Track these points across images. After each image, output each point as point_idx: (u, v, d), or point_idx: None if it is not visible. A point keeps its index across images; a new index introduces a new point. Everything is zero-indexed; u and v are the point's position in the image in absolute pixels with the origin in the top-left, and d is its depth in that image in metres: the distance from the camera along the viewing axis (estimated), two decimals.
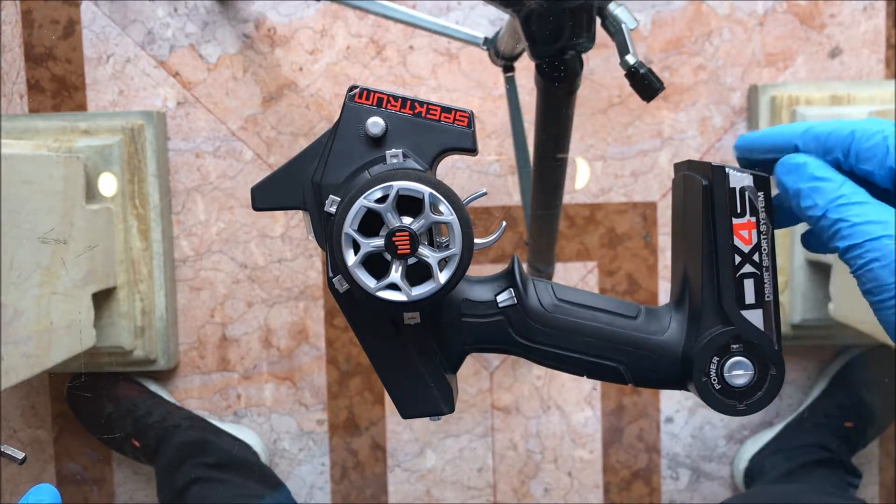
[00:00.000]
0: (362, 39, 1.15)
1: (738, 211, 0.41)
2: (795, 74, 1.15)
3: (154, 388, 1.17)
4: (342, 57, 1.15)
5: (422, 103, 0.40)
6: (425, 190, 0.37)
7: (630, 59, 0.67)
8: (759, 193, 0.41)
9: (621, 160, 1.17)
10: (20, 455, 0.57)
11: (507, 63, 0.94)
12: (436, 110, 0.40)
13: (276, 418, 1.20)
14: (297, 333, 1.18)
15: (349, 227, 0.37)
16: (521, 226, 1.14)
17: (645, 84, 0.67)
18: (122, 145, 1.08)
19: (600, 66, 1.15)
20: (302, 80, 1.16)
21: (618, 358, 0.42)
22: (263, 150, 1.16)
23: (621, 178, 1.17)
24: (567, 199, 1.16)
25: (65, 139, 1.08)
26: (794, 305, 1.10)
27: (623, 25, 0.68)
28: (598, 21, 0.68)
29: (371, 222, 0.38)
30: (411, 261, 0.38)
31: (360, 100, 0.40)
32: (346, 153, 0.40)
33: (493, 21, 1.14)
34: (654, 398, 1.20)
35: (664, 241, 1.18)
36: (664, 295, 1.19)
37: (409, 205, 0.38)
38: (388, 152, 0.40)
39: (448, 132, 0.40)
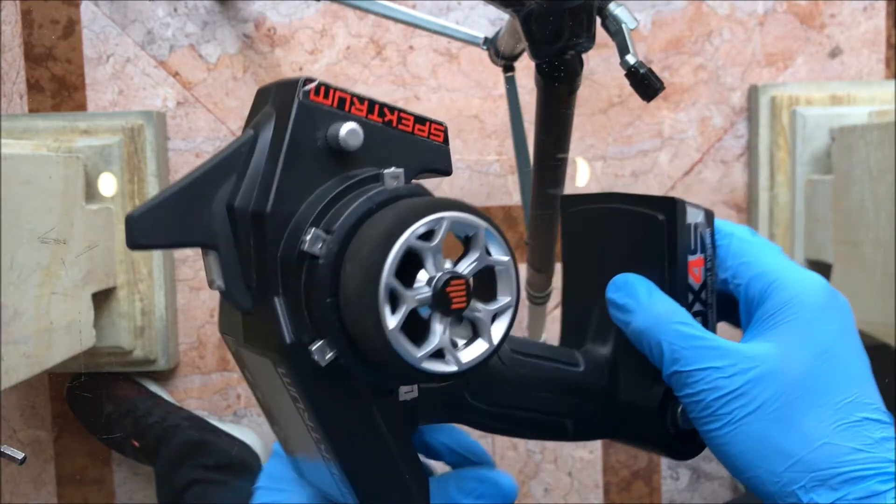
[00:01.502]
0: (362, 39, 1.15)
1: (692, 247, 0.38)
2: (795, 74, 1.15)
3: (154, 388, 1.17)
4: (342, 57, 1.15)
5: (392, 109, 0.31)
6: (481, 224, 0.29)
7: (630, 58, 0.67)
8: (708, 229, 0.38)
9: (621, 160, 1.17)
10: (20, 455, 0.57)
11: (507, 63, 0.94)
12: (409, 120, 0.31)
13: None
14: None
15: (390, 276, 0.27)
16: (521, 226, 1.14)
17: (645, 84, 0.67)
18: (122, 145, 1.08)
19: (600, 66, 1.15)
20: None
21: (566, 411, 0.38)
22: None
23: (621, 177, 1.17)
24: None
25: (64, 139, 1.08)
26: None
27: (623, 25, 0.67)
28: (599, 21, 0.68)
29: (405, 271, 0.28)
30: (454, 320, 0.29)
31: (316, 97, 0.29)
32: (299, 170, 0.29)
33: (493, 21, 1.14)
34: None
35: None
36: None
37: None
38: (386, 172, 0.30)
39: (424, 149, 0.32)
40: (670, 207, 0.37)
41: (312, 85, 0.29)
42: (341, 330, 0.28)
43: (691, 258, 0.38)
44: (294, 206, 0.29)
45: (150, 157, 1.10)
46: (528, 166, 0.96)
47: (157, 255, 1.11)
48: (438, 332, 0.28)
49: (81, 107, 1.16)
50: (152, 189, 1.10)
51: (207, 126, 1.16)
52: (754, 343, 0.35)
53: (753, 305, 0.36)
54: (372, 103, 0.30)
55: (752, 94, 1.14)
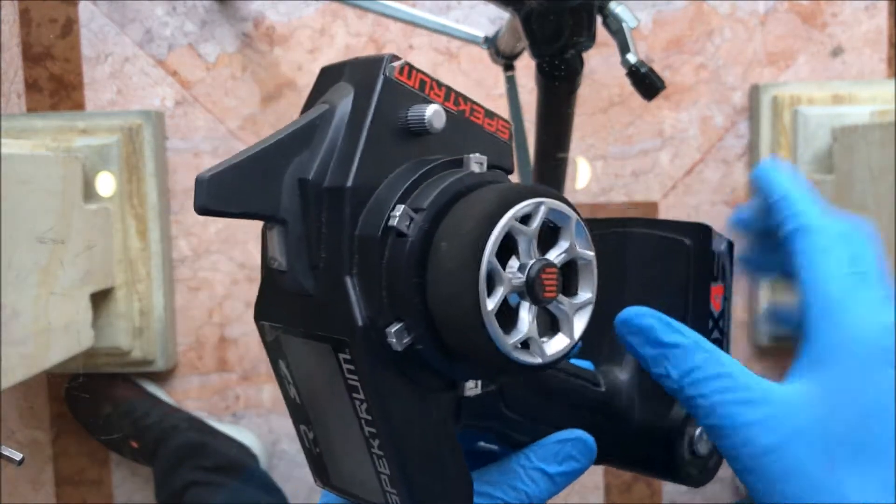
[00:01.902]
0: (362, 38, 1.15)
1: (715, 275, 0.37)
2: (797, 74, 1.15)
3: (152, 388, 1.17)
4: (342, 56, 1.15)
5: (466, 100, 0.30)
6: (573, 215, 0.29)
7: (631, 57, 0.67)
8: (728, 258, 0.38)
9: (622, 160, 1.16)
10: (18, 456, 0.56)
11: (507, 62, 0.94)
12: (480, 113, 0.31)
13: (275, 419, 1.19)
14: None
15: (491, 254, 0.26)
16: None
17: (646, 83, 0.66)
18: (121, 145, 1.08)
19: (601, 65, 1.14)
20: (301, 79, 1.15)
21: (587, 427, 0.36)
22: None
23: (622, 177, 1.16)
24: (568, 198, 1.16)
25: (63, 139, 1.07)
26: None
27: (624, 24, 0.67)
28: (599, 20, 0.67)
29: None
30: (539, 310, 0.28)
31: (400, 77, 0.28)
32: (380, 147, 0.28)
33: (494, 20, 1.13)
34: None
35: None
36: None
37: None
38: (470, 156, 0.29)
39: (491, 143, 0.31)
40: (699, 233, 0.36)
41: (399, 63, 0.28)
42: (424, 313, 0.27)
43: (713, 285, 0.37)
44: (374, 183, 0.27)
45: (148, 156, 1.10)
46: (529, 166, 0.96)
47: (155, 255, 1.10)
48: (527, 321, 0.27)
49: (80, 106, 1.16)
50: (151, 189, 1.10)
51: (206, 125, 1.16)
52: (797, 384, 0.31)
53: (805, 329, 0.32)
54: (449, 90, 0.30)
55: (754, 93, 1.13)
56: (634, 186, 1.16)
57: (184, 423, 1.12)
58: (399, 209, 0.27)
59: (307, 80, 1.15)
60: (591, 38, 0.65)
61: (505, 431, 0.33)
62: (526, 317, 0.27)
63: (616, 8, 0.67)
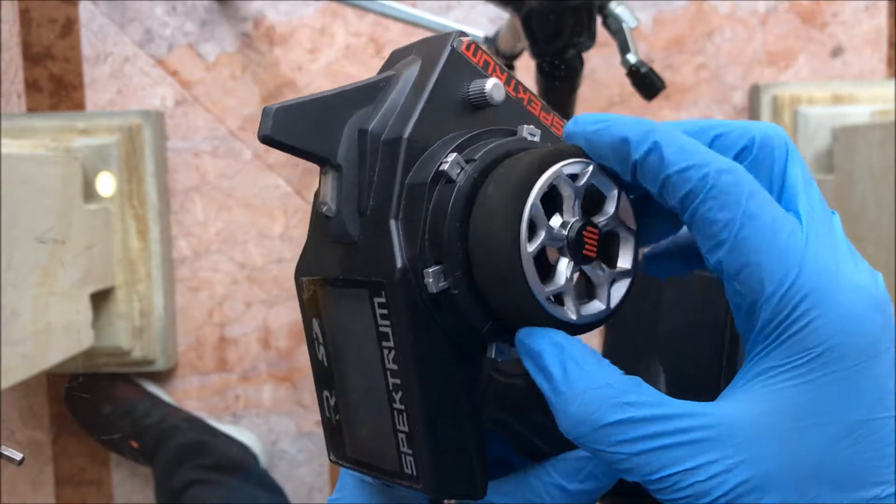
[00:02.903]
0: (362, 38, 1.15)
1: None
2: (797, 74, 1.15)
3: (152, 388, 1.17)
4: (342, 56, 1.15)
5: (526, 90, 0.31)
6: (617, 186, 0.28)
7: (631, 57, 0.67)
8: None
9: None
10: (18, 456, 0.56)
11: (507, 62, 0.94)
12: (537, 105, 0.31)
13: (276, 419, 1.19)
14: (296, 334, 1.18)
15: (537, 198, 0.26)
16: None
17: (646, 83, 0.66)
18: (121, 145, 1.08)
19: (601, 65, 1.14)
20: (301, 79, 1.15)
21: None
22: (262, 150, 1.16)
23: None
24: None
25: (63, 139, 1.07)
26: None
27: (624, 24, 0.67)
28: (599, 20, 0.67)
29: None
30: (576, 271, 0.28)
31: (466, 52, 0.30)
32: (440, 110, 0.29)
33: (494, 19, 1.13)
34: None
35: None
36: None
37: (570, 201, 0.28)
38: (524, 127, 0.30)
39: (543, 136, 0.31)
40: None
41: (467, 39, 0.30)
42: (463, 259, 0.27)
43: None
44: (430, 140, 0.29)
45: (148, 156, 1.10)
46: None
47: (155, 255, 1.10)
48: (564, 274, 0.27)
49: (80, 106, 1.16)
50: (151, 189, 1.10)
51: (206, 125, 1.15)
52: (755, 400, 0.25)
53: (757, 310, 0.25)
54: (510, 77, 0.31)
55: (754, 93, 1.13)
56: None
57: (184, 423, 1.12)
58: (452, 156, 0.28)
59: (307, 80, 1.15)
60: (591, 38, 0.65)
61: (527, 435, 0.32)
62: (564, 271, 0.27)
63: (616, 8, 0.67)
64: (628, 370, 0.32)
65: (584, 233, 0.27)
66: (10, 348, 0.81)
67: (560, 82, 0.67)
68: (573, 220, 0.27)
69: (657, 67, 1.14)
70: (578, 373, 0.26)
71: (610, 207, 0.28)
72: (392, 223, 0.28)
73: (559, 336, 0.27)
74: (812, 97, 1.10)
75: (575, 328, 0.28)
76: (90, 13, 1.15)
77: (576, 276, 0.28)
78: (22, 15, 1.15)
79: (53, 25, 1.15)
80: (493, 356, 0.29)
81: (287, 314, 1.18)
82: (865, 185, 0.91)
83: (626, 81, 0.68)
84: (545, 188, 0.27)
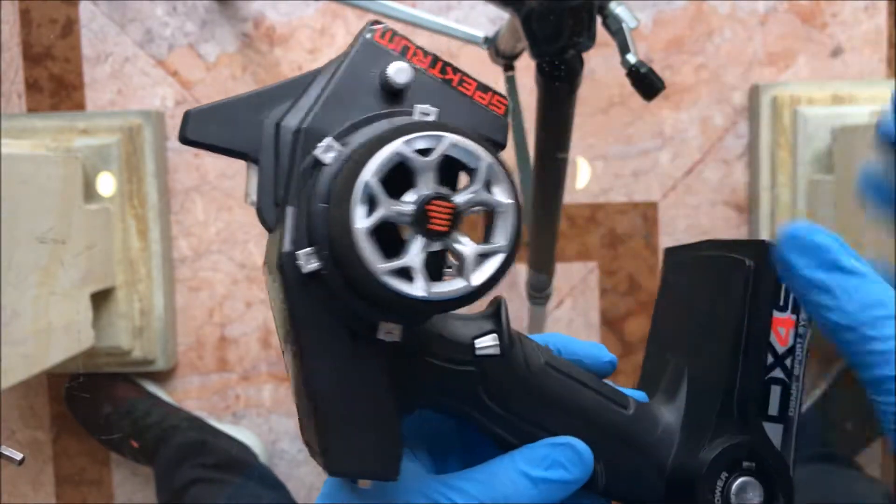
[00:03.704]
0: None
1: (781, 304, 0.33)
2: (797, 74, 1.15)
3: (152, 388, 1.17)
4: None
5: (455, 70, 0.31)
6: (486, 157, 0.28)
7: (631, 58, 0.67)
8: None
9: (622, 160, 1.16)
10: (19, 456, 0.56)
11: (507, 62, 0.94)
12: (471, 85, 0.31)
13: (276, 419, 1.19)
14: None
15: (371, 175, 0.27)
16: (522, 226, 1.14)
17: (646, 83, 0.66)
18: (121, 145, 1.08)
19: (601, 66, 1.14)
20: None
21: (601, 452, 0.33)
22: None
23: (622, 177, 1.16)
24: (567, 199, 1.16)
25: (63, 139, 1.07)
26: None
27: (624, 24, 0.67)
28: (599, 20, 0.67)
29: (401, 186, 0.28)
30: (435, 247, 0.28)
31: (380, 40, 0.30)
32: (347, 98, 0.30)
33: (493, 20, 1.13)
34: None
35: (665, 241, 1.17)
36: None
37: (451, 175, 0.28)
38: (417, 106, 0.30)
39: (480, 115, 0.31)
40: (760, 252, 0.33)
41: (379, 27, 0.30)
42: (328, 238, 0.28)
43: (778, 315, 0.33)
44: (331, 126, 0.29)
45: (148, 156, 1.10)
46: (529, 166, 0.96)
47: (155, 255, 1.11)
48: (412, 251, 0.27)
49: (80, 106, 1.16)
50: (151, 189, 1.10)
51: None
52: None
53: None
54: (436, 59, 0.31)
55: (754, 93, 1.13)
56: (634, 186, 1.16)
57: (184, 423, 1.12)
58: (325, 140, 0.29)
59: None
60: (591, 39, 0.65)
61: (486, 424, 0.32)
62: (413, 248, 0.27)
63: (616, 8, 0.67)
64: (664, 366, 0.35)
65: (431, 207, 0.27)
66: (10, 348, 0.81)
67: (560, 82, 0.67)
68: (426, 193, 0.27)
69: (657, 67, 1.14)
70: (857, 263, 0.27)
71: (478, 181, 0.28)
72: (288, 210, 0.29)
73: (831, 234, 0.27)
74: (812, 97, 1.10)
75: (428, 305, 0.27)
76: (90, 13, 1.15)
77: (426, 251, 0.27)
78: (22, 15, 1.15)
79: (54, 25, 1.15)
80: (381, 337, 0.29)
81: None
82: None
83: (626, 81, 0.68)
84: (385, 166, 0.27)
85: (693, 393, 0.34)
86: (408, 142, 0.27)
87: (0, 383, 0.79)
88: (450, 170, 0.28)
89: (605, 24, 0.68)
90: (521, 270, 1.14)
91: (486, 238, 0.28)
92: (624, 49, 0.67)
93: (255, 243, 1.17)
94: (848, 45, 1.15)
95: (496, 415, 0.32)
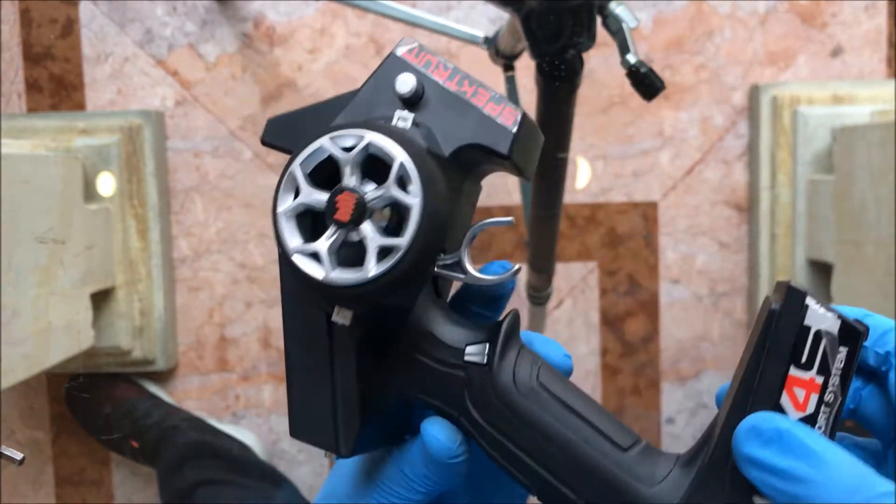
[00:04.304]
0: (362, 38, 1.15)
1: (803, 361, 0.29)
2: (797, 74, 1.15)
3: (152, 388, 1.17)
4: (342, 56, 1.15)
5: (472, 83, 0.33)
6: (399, 155, 0.30)
7: (631, 58, 0.67)
8: (842, 349, 0.29)
9: (622, 160, 1.16)
10: (19, 456, 0.56)
11: (507, 62, 0.94)
12: (483, 96, 0.33)
13: (276, 419, 1.19)
14: None
15: (297, 165, 0.30)
16: (522, 226, 1.14)
17: (646, 83, 0.66)
18: (121, 145, 1.08)
19: (601, 66, 1.14)
20: (301, 79, 1.15)
21: (583, 492, 0.30)
22: (262, 150, 1.16)
23: (622, 177, 1.16)
24: (567, 198, 1.16)
25: (63, 139, 1.07)
26: None
27: (624, 24, 0.67)
28: (599, 20, 0.67)
29: (337, 180, 0.31)
30: (341, 236, 0.30)
31: (407, 55, 0.33)
32: (368, 105, 0.33)
33: (493, 20, 1.13)
34: (655, 398, 1.20)
35: (665, 241, 1.17)
36: (665, 296, 1.18)
37: (383, 174, 0.30)
38: (397, 112, 0.32)
39: (485, 125, 0.32)
40: (789, 297, 0.29)
41: (408, 45, 0.34)
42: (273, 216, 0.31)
43: (797, 373, 0.29)
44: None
45: (148, 156, 1.10)
46: None
47: (155, 255, 1.11)
48: (324, 236, 0.30)
49: (80, 106, 1.16)
50: (151, 189, 1.10)
51: (206, 125, 1.16)
52: None
53: None
54: (455, 73, 0.33)
55: (754, 93, 1.13)
56: (634, 186, 1.16)
57: (184, 423, 1.12)
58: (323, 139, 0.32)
59: (307, 80, 1.15)
60: (591, 39, 0.65)
61: (471, 431, 0.32)
62: (326, 233, 0.30)
63: (616, 8, 0.67)
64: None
65: (340, 198, 0.30)
66: (10, 348, 0.81)
67: (560, 82, 0.67)
68: (337, 186, 0.30)
69: (657, 67, 1.14)
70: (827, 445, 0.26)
71: (389, 178, 0.30)
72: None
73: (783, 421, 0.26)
74: (812, 97, 1.10)
75: (325, 288, 0.30)
76: (90, 13, 1.15)
77: (337, 239, 0.30)
78: (22, 15, 1.15)
79: (54, 25, 1.15)
80: (335, 319, 0.31)
81: None
82: (865, 186, 0.91)
83: (626, 81, 0.68)
84: (311, 155, 0.30)
85: (708, 444, 0.30)
86: (333, 138, 0.30)
87: (0, 383, 0.79)
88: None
89: (605, 24, 0.68)
90: (521, 271, 1.14)
91: (395, 233, 0.30)
92: (624, 49, 0.67)
93: (255, 243, 1.17)
94: (848, 45, 1.15)
95: (479, 425, 0.32)
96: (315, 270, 0.30)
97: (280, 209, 0.30)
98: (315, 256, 0.30)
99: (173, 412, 1.14)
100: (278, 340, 1.18)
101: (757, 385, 0.29)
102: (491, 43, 0.93)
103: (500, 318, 0.33)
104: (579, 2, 0.62)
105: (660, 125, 1.16)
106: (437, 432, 0.32)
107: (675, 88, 1.15)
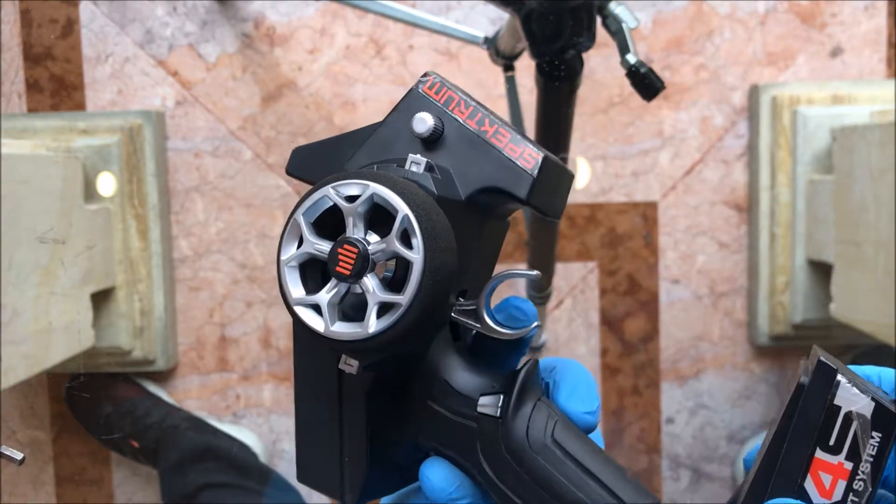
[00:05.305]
0: (362, 38, 1.15)
1: (831, 443, 0.27)
2: (797, 74, 1.15)
3: (153, 388, 1.17)
4: (342, 56, 1.15)
5: (493, 122, 0.32)
6: (402, 209, 0.29)
7: (631, 58, 0.67)
8: (876, 435, 0.27)
9: (622, 160, 1.16)
10: (19, 456, 0.56)
11: (507, 62, 0.94)
12: (504, 137, 0.32)
13: (276, 419, 1.19)
14: None
15: (301, 214, 0.30)
16: (522, 226, 1.14)
17: (646, 83, 0.66)
18: (121, 145, 1.08)
19: (601, 66, 1.15)
20: (301, 79, 1.15)
21: None
22: (262, 150, 1.16)
23: (622, 177, 1.17)
24: (568, 198, 1.16)
25: (63, 139, 1.07)
26: (795, 305, 1.10)
27: (624, 24, 0.67)
28: (599, 20, 0.68)
29: (342, 229, 0.30)
30: (343, 289, 0.29)
31: (428, 91, 0.32)
32: (386, 143, 0.32)
33: (494, 20, 1.14)
34: (655, 398, 1.20)
35: (665, 241, 1.17)
36: (665, 295, 1.18)
37: (389, 224, 0.30)
38: (410, 156, 0.32)
39: (503, 167, 0.31)
40: (817, 370, 0.28)
41: (429, 79, 0.33)
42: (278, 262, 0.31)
43: (824, 457, 0.27)
44: (359, 166, 0.32)
45: (148, 156, 1.10)
46: None
47: (155, 255, 1.11)
48: (325, 288, 0.29)
49: (80, 106, 1.16)
50: (151, 189, 1.10)
51: (206, 125, 1.16)
52: None
53: None
54: (476, 111, 0.32)
55: (753, 93, 1.14)
56: (634, 186, 1.17)
57: (184, 423, 1.12)
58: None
59: (307, 81, 1.15)
60: (591, 39, 0.65)
61: (481, 481, 0.31)
62: (327, 286, 0.29)
63: (616, 8, 0.67)
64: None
65: (342, 250, 0.29)
66: (10, 348, 0.81)
67: (560, 82, 0.67)
68: (340, 237, 0.29)
69: (657, 68, 1.14)
70: None
71: (392, 231, 0.29)
72: None
73: None
74: (811, 97, 1.10)
75: (326, 340, 0.29)
76: (90, 13, 1.15)
77: (338, 292, 0.29)
78: (22, 15, 1.16)
79: (54, 26, 1.15)
80: (341, 367, 0.30)
81: (287, 314, 1.18)
82: (864, 186, 0.92)
83: (626, 82, 0.68)
84: (315, 205, 0.30)
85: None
86: (336, 188, 0.29)
87: (0, 383, 0.79)
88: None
89: (605, 24, 0.69)
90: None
91: (400, 283, 0.29)
92: (624, 49, 0.67)
93: (255, 243, 1.17)
94: (848, 45, 1.15)
95: (489, 478, 0.31)
96: (316, 323, 0.29)
97: (283, 257, 0.30)
98: (316, 308, 0.29)
99: (173, 412, 1.14)
100: (278, 340, 1.18)
101: (780, 463, 0.28)
102: (491, 43, 0.93)
103: (519, 366, 0.32)
104: (579, 2, 0.63)
105: (660, 125, 1.16)
106: (433, 474, 0.31)
107: (674, 88, 1.15)
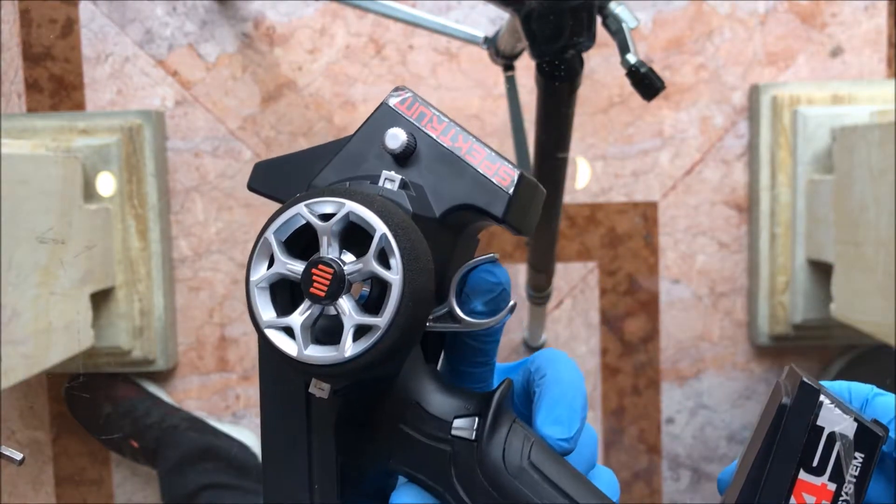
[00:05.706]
0: (362, 38, 1.15)
1: (815, 464, 0.27)
2: (797, 74, 1.15)
3: (152, 388, 1.17)
4: (342, 56, 1.15)
5: (467, 138, 0.31)
6: (380, 228, 0.28)
7: (631, 58, 0.67)
8: (859, 455, 0.27)
9: (622, 160, 1.16)
10: (19, 456, 0.56)
11: (507, 62, 0.94)
12: (479, 154, 0.31)
13: None
14: None
15: (272, 232, 0.29)
16: None
17: (646, 83, 0.66)
18: (121, 145, 1.08)
19: (601, 65, 1.14)
20: (301, 79, 1.15)
21: None
22: (262, 150, 1.16)
23: (622, 177, 1.17)
24: (567, 198, 1.16)
25: (63, 139, 1.07)
26: (796, 305, 1.10)
27: (624, 24, 0.67)
28: (599, 20, 0.68)
29: (314, 247, 0.29)
30: (317, 311, 0.28)
31: (399, 106, 0.31)
32: (356, 158, 0.31)
33: (494, 20, 1.14)
34: (655, 399, 1.20)
35: (665, 241, 1.17)
36: (665, 295, 1.18)
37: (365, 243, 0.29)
38: (384, 173, 0.30)
39: (478, 185, 0.30)
40: (800, 391, 0.28)
41: (401, 93, 0.32)
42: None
43: (807, 478, 0.27)
44: (327, 182, 0.32)
45: (148, 156, 1.10)
46: (529, 166, 0.96)
47: (155, 255, 1.11)
48: (298, 310, 0.28)
49: (80, 106, 1.16)
50: (151, 189, 1.10)
51: (206, 125, 1.16)
52: None
53: None
54: (450, 127, 0.31)
55: (754, 93, 1.13)
56: (634, 186, 1.16)
57: (184, 423, 1.12)
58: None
59: (307, 81, 1.15)
60: (591, 39, 0.65)
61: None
62: (300, 308, 0.28)
63: (616, 8, 0.67)
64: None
65: (315, 270, 0.28)
66: (10, 348, 0.81)
67: (560, 82, 0.67)
68: (314, 257, 0.28)
69: (657, 68, 1.14)
70: None
71: (369, 251, 0.28)
72: None
73: None
74: (811, 97, 1.10)
75: (299, 364, 0.28)
76: (90, 13, 1.15)
77: (311, 314, 0.28)
78: (22, 15, 1.15)
79: (53, 25, 1.15)
80: (311, 391, 0.29)
81: None
82: (864, 186, 0.92)
83: (626, 81, 0.68)
84: (287, 223, 0.28)
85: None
86: (309, 205, 0.28)
87: (0, 383, 0.79)
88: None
89: (605, 24, 0.68)
90: (520, 270, 1.14)
91: (376, 304, 0.28)
92: (624, 49, 0.67)
93: None
94: (848, 45, 1.15)
95: (464, 502, 0.30)
96: (288, 346, 0.28)
97: (253, 278, 0.29)
98: (289, 331, 0.28)
99: (173, 412, 1.14)
100: None
101: (763, 485, 0.28)
102: (491, 43, 0.93)
103: (494, 387, 0.31)
104: (579, 2, 0.63)
105: (660, 125, 1.16)
106: (405, 500, 0.30)
107: (674, 88, 1.15)
